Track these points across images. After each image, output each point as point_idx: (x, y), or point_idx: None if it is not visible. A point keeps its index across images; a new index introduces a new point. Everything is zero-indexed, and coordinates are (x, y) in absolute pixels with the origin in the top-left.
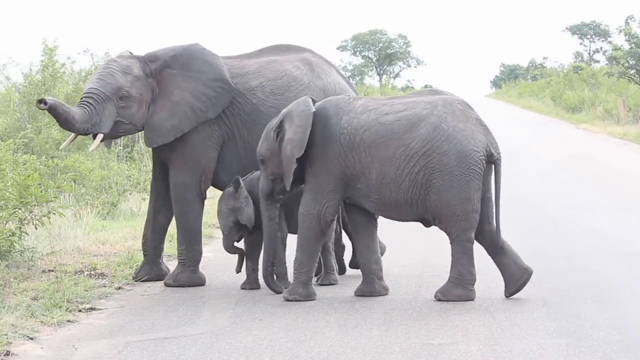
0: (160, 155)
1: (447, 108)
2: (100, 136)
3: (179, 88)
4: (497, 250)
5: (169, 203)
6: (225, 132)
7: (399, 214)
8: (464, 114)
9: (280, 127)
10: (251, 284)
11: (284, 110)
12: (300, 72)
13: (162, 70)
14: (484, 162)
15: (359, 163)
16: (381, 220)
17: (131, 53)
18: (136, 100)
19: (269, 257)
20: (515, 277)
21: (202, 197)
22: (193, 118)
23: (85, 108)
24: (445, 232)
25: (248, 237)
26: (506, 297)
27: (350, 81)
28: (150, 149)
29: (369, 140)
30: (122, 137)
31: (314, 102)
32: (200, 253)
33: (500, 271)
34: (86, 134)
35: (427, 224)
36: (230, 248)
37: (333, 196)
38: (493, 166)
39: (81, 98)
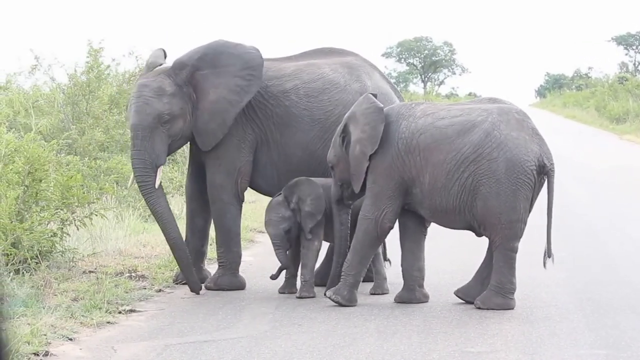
0: (198, 157)
1: (503, 116)
2: (161, 168)
3: (214, 86)
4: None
5: (204, 205)
6: (258, 135)
7: (449, 221)
8: (520, 123)
9: (345, 132)
10: (290, 288)
11: (346, 114)
12: (337, 74)
13: (194, 74)
14: (534, 172)
15: (414, 167)
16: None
17: (164, 51)
18: (180, 115)
19: (339, 259)
20: (474, 292)
21: (239, 199)
22: (232, 110)
23: (139, 157)
24: (489, 239)
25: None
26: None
27: (396, 86)
28: (188, 151)
29: (423, 144)
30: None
31: (375, 96)
32: (239, 255)
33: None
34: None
35: (478, 233)
36: (284, 259)
37: (392, 202)
38: (546, 177)
39: (130, 137)
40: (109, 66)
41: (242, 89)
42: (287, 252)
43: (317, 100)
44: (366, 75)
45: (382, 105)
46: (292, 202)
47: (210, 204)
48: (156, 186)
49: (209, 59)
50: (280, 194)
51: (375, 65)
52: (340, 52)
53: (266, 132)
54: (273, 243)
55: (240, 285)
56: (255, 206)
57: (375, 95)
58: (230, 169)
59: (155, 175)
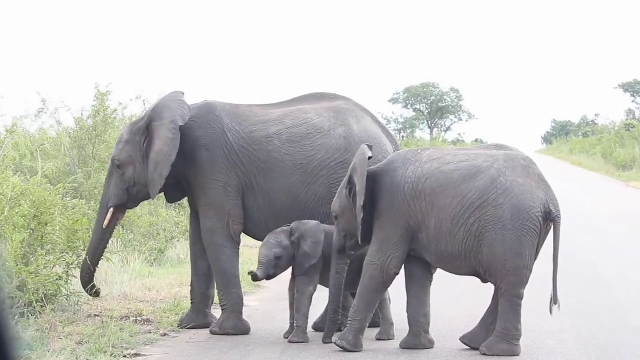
0: (193, 203)
1: (509, 163)
2: (110, 210)
3: (158, 138)
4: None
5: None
6: (242, 180)
7: (454, 267)
8: (526, 170)
9: (350, 183)
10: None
11: (351, 166)
12: (322, 119)
13: (150, 124)
14: (540, 218)
15: (420, 212)
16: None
17: (182, 93)
18: (128, 162)
19: (332, 306)
20: (479, 338)
21: (234, 241)
22: (167, 162)
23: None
24: (494, 285)
25: (292, 285)
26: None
27: (390, 130)
28: None
29: (429, 189)
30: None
31: (370, 148)
32: (240, 297)
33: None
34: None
35: (483, 279)
36: (262, 275)
37: (398, 248)
38: (552, 224)
39: None
40: (115, 110)
41: (172, 142)
42: (271, 276)
43: (300, 146)
44: (354, 119)
45: (368, 156)
46: (294, 235)
47: (205, 249)
48: (104, 226)
49: (158, 111)
50: (289, 225)
51: (367, 110)
52: (332, 96)
53: (250, 177)
54: (259, 261)
55: (245, 330)
56: (255, 252)
57: (370, 147)
58: (219, 212)
59: (106, 215)
